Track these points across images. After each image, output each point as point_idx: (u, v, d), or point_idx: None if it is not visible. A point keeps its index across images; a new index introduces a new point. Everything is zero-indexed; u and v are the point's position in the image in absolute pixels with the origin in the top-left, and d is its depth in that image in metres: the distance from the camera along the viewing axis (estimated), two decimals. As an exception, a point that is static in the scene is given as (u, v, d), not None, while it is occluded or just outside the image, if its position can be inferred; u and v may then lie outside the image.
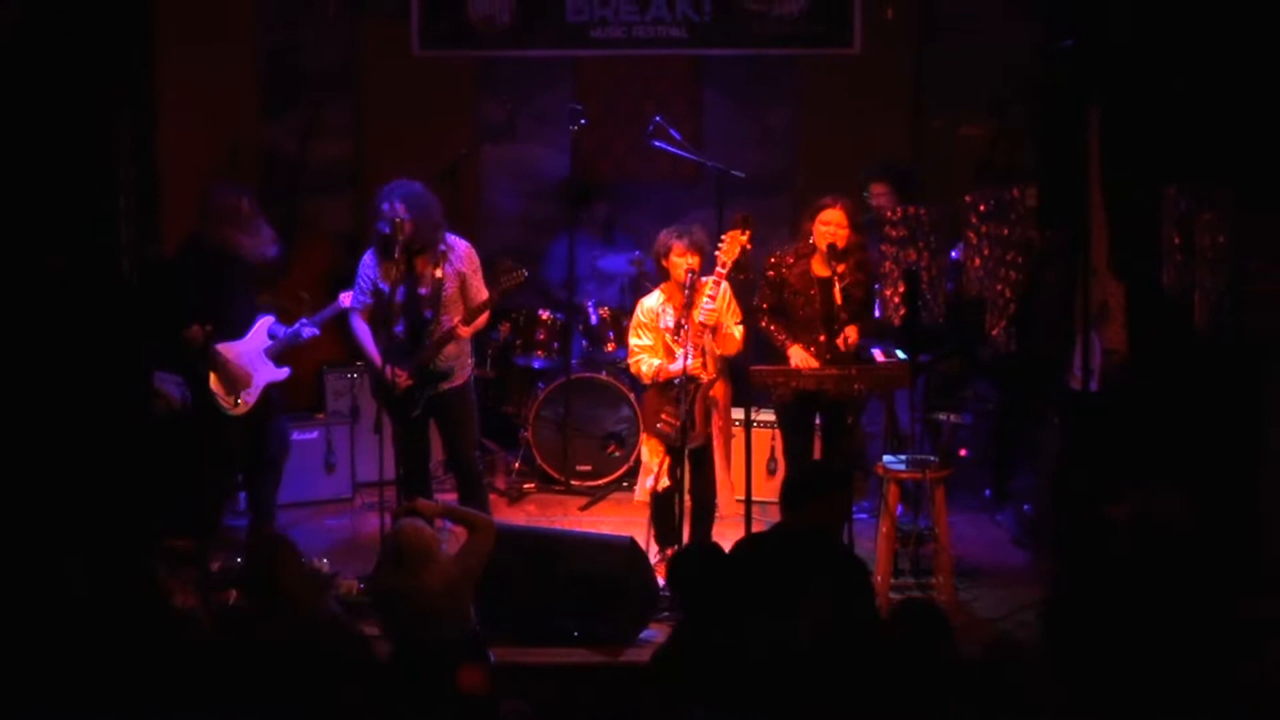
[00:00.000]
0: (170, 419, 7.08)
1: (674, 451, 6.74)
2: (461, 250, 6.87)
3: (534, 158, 9.13)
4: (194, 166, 7.62)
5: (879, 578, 6.41)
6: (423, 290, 6.78)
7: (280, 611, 5.11)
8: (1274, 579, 6.02)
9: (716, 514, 6.89)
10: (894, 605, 6.10)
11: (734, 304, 6.73)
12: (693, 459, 6.72)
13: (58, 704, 4.82)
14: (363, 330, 6.91)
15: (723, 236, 6.58)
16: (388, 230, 6.65)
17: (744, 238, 6.58)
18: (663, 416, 6.68)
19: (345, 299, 6.99)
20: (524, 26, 8.48)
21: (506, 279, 6.84)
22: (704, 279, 6.66)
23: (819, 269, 6.70)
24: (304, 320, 7.17)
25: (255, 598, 5.26)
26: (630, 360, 6.88)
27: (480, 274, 6.91)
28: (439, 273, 6.77)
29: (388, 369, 6.73)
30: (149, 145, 6.54)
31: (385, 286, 6.80)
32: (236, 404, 6.99)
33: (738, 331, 6.72)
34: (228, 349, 6.98)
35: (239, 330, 7.03)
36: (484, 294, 6.86)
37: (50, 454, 5.93)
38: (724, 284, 6.63)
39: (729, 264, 6.57)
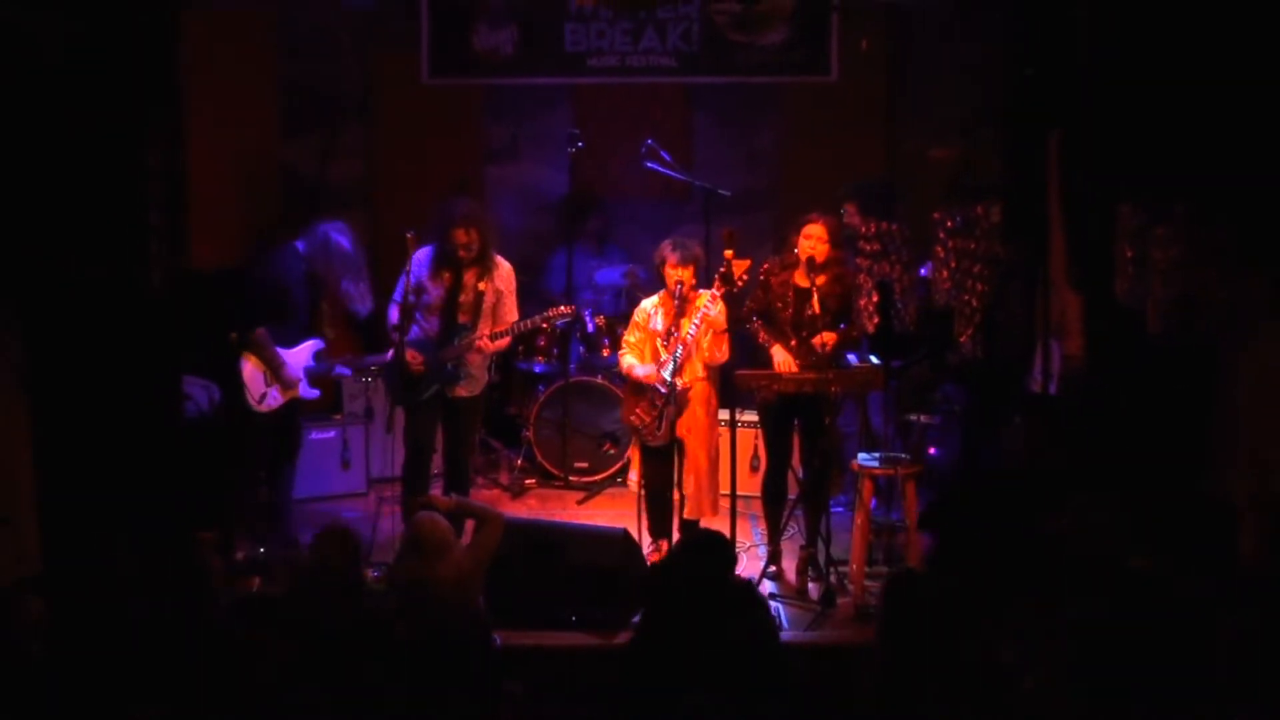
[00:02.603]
0: (198, 419, 7.16)
1: (646, 448, 6.98)
2: (504, 270, 7.10)
3: (535, 177, 9.33)
4: (219, 184, 7.78)
5: (855, 566, 6.60)
6: (463, 298, 7.02)
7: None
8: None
9: (694, 510, 6.99)
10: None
11: (722, 315, 6.86)
12: (667, 454, 6.91)
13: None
14: (397, 318, 7.03)
15: (733, 261, 6.66)
16: (474, 252, 6.94)
17: (742, 269, 6.71)
18: (636, 410, 6.92)
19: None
20: (525, 56, 8.77)
21: (555, 312, 7.12)
22: (701, 290, 6.86)
23: (799, 279, 6.85)
24: (347, 358, 7.38)
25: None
26: (620, 354, 7.12)
27: (515, 295, 7.12)
28: (482, 285, 7.01)
29: (407, 351, 6.94)
30: (178, 165, 6.56)
31: (430, 287, 7.02)
32: (261, 402, 7.12)
33: (723, 342, 6.88)
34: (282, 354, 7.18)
35: (291, 341, 7.19)
36: (514, 315, 7.07)
37: (96, 449, 6.05)
38: (719, 302, 6.77)
39: (723, 286, 6.70)
